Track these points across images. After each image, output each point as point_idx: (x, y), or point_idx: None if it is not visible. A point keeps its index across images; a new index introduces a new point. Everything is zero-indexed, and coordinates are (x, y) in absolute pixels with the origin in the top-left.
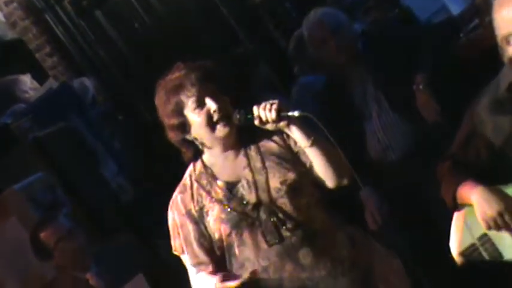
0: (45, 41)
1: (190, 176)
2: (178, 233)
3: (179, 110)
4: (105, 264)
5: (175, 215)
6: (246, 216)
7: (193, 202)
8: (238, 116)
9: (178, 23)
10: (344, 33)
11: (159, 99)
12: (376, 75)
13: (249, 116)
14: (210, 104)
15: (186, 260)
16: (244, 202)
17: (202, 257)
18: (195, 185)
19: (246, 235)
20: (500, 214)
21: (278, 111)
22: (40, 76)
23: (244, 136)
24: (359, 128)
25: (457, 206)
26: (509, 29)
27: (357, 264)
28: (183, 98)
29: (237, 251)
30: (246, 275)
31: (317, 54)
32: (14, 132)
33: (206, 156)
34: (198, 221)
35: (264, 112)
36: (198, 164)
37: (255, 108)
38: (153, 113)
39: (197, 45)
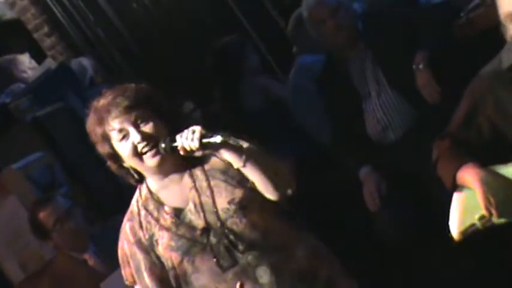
0: (43, 21)
1: (137, 201)
2: (128, 262)
3: (107, 141)
4: (103, 244)
5: (125, 244)
6: (196, 242)
7: (143, 230)
8: (163, 145)
9: (176, 2)
10: (343, 13)
11: (88, 127)
12: (376, 55)
13: (174, 145)
14: (133, 136)
15: None
16: (193, 227)
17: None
18: (143, 212)
19: (198, 261)
20: (504, 201)
21: (200, 139)
22: (38, 56)
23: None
24: (358, 108)
25: (456, 187)
26: None
27: (319, 278)
28: (107, 130)
29: (192, 278)
30: None
31: (316, 34)
32: (13, 111)
33: (150, 182)
34: (149, 250)
35: (187, 141)
36: (144, 189)
37: (177, 137)
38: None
39: (195, 25)
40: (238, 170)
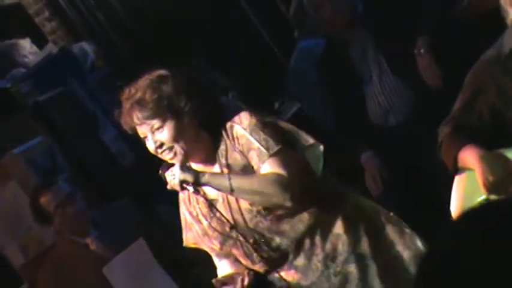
0: (44, 6)
1: None
2: (190, 228)
3: (134, 128)
4: (105, 228)
5: (184, 210)
6: (228, 236)
7: (190, 206)
8: (160, 172)
9: None
10: None
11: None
12: (377, 39)
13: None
14: (150, 142)
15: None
16: (223, 222)
17: (218, 252)
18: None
19: (234, 251)
20: (502, 180)
21: (180, 184)
22: (39, 41)
23: (216, 139)
24: (359, 92)
25: (457, 170)
26: None
27: (354, 255)
28: (133, 125)
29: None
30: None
31: (315, 17)
32: (14, 96)
33: (192, 165)
34: (200, 222)
35: (171, 183)
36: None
37: (166, 174)
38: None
39: (195, 9)
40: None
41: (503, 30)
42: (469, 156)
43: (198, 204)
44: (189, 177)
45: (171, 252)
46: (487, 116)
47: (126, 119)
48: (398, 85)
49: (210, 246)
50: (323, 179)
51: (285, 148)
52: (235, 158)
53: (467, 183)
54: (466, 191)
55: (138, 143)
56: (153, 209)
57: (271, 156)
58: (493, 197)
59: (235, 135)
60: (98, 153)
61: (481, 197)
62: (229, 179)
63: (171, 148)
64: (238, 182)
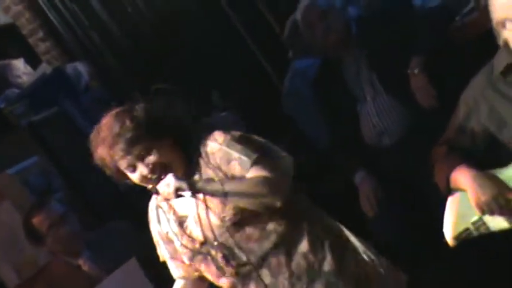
0: (38, 26)
1: (156, 197)
2: (161, 247)
3: (117, 170)
4: (99, 249)
5: (154, 229)
6: (197, 253)
7: (160, 225)
8: (151, 186)
9: (171, 6)
10: (333, 17)
11: (95, 153)
12: (371, 59)
13: (158, 188)
14: (141, 169)
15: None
16: (193, 239)
17: (180, 272)
18: (160, 209)
19: (204, 267)
20: (494, 199)
21: (175, 192)
22: (33, 61)
23: (192, 163)
24: (353, 112)
25: (450, 191)
26: (504, 13)
27: (320, 272)
28: (117, 164)
29: (204, 274)
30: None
31: (308, 36)
32: (8, 117)
33: None
34: (169, 242)
35: (166, 191)
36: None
37: (158, 187)
38: (146, 97)
39: (189, 29)
40: None
41: (496, 51)
42: (461, 177)
43: (169, 223)
44: (184, 185)
45: (164, 271)
46: (480, 136)
47: (107, 158)
48: (392, 105)
49: (177, 264)
50: (293, 195)
51: (264, 155)
52: (209, 174)
53: (461, 203)
54: (459, 212)
55: None
56: (147, 229)
57: (253, 163)
58: (486, 217)
59: (209, 152)
60: (93, 173)
61: (474, 217)
62: (222, 184)
63: (163, 167)
64: (230, 185)
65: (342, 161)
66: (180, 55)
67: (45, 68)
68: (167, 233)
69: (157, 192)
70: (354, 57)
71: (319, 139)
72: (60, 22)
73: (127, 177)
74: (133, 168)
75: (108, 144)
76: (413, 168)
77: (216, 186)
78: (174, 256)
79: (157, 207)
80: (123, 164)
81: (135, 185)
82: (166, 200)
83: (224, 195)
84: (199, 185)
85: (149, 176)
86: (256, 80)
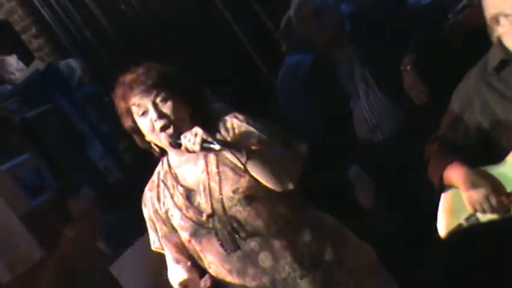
0: (31, 23)
1: (159, 173)
2: (156, 229)
3: (130, 115)
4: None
5: (150, 211)
6: (202, 226)
7: (160, 203)
8: (170, 140)
9: (163, 3)
10: (327, 13)
11: (114, 100)
12: (364, 56)
13: (179, 141)
14: (151, 113)
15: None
16: (200, 211)
17: (177, 255)
18: (162, 185)
19: (205, 242)
20: (486, 198)
21: (201, 144)
22: (26, 58)
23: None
24: (346, 108)
25: (443, 188)
26: (498, 9)
27: (320, 262)
28: (129, 104)
29: (201, 255)
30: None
31: (302, 33)
32: (1, 113)
33: (171, 156)
34: (166, 221)
35: (189, 143)
36: (165, 162)
37: (182, 137)
38: None
39: (182, 26)
40: None
41: (489, 48)
42: (454, 174)
43: (172, 197)
44: (210, 137)
45: None
46: (473, 133)
47: (124, 93)
48: (384, 101)
49: (176, 241)
50: (300, 184)
51: (283, 137)
52: None
53: (454, 200)
54: (453, 209)
55: (126, 161)
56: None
57: (273, 141)
58: (479, 214)
59: (229, 127)
60: (86, 170)
61: (467, 214)
62: (244, 147)
63: (172, 123)
64: (251, 151)
65: (334, 156)
66: (172, 51)
67: (38, 64)
68: (167, 210)
69: (176, 145)
70: (347, 54)
71: (310, 134)
72: (53, 19)
73: (133, 123)
74: (144, 111)
75: (129, 82)
76: (405, 163)
77: (240, 147)
78: (168, 237)
79: (159, 185)
80: (136, 102)
81: (135, 144)
82: (188, 151)
83: (246, 160)
84: (224, 142)
85: (157, 123)
86: (248, 76)
